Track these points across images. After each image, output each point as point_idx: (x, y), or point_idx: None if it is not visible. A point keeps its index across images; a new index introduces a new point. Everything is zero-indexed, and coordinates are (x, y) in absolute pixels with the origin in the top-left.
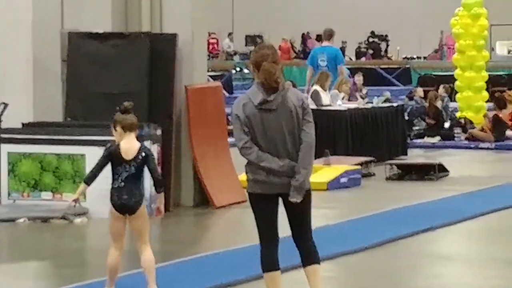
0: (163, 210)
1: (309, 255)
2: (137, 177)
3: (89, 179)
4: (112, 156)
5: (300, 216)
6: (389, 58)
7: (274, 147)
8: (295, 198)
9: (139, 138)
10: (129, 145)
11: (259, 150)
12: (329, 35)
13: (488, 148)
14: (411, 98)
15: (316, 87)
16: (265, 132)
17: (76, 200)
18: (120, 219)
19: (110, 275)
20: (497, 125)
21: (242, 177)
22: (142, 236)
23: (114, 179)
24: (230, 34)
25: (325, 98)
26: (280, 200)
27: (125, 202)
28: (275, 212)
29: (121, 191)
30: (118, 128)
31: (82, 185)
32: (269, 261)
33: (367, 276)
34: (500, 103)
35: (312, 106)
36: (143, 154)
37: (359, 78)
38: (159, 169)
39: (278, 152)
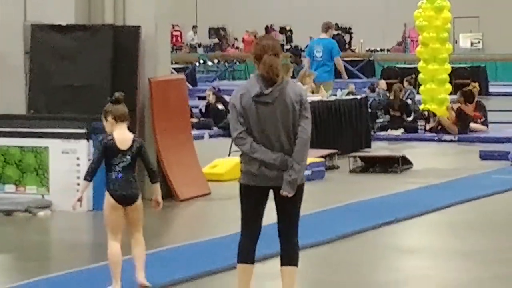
0: (161, 201)
1: (289, 256)
2: (133, 168)
3: (89, 175)
4: (108, 148)
5: (289, 211)
6: (352, 51)
7: (268, 140)
8: (287, 192)
9: (102, 130)
10: (122, 136)
11: (253, 142)
12: (327, 27)
13: (451, 141)
14: (372, 90)
15: None
16: (260, 124)
17: (80, 199)
18: (118, 210)
19: (114, 269)
20: (462, 118)
21: (206, 170)
22: (138, 226)
23: (111, 170)
24: (194, 27)
25: None
26: (271, 193)
27: (125, 193)
28: (263, 205)
29: (120, 182)
30: (110, 119)
31: (84, 183)
32: (246, 253)
33: (330, 269)
34: (469, 98)
35: None
36: (138, 144)
37: None
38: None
39: (272, 145)
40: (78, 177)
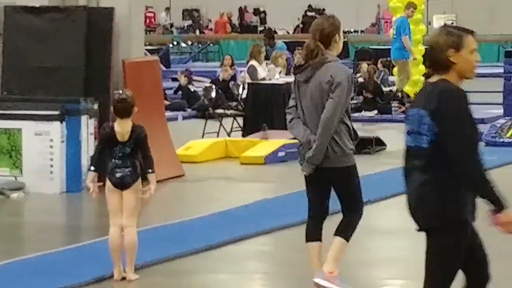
0: (153, 190)
1: (341, 226)
2: (132, 155)
3: (95, 165)
4: (107, 139)
5: (338, 192)
6: None
7: (303, 117)
8: (304, 170)
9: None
10: (122, 129)
11: (294, 118)
12: (406, 7)
13: None
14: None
15: (252, 62)
16: (300, 102)
17: (93, 191)
18: (116, 193)
19: (113, 255)
20: None
21: (179, 151)
22: (131, 215)
23: (111, 158)
24: (167, 8)
25: (262, 72)
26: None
27: (122, 179)
28: (320, 187)
29: (117, 167)
30: (113, 113)
31: (91, 174)
32: (309, 233)
33: (303, 250)
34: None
35: (248, 80)
36: (136, 135)
37: (298, 58)
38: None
39: (306, 122)
40: (51, 159)
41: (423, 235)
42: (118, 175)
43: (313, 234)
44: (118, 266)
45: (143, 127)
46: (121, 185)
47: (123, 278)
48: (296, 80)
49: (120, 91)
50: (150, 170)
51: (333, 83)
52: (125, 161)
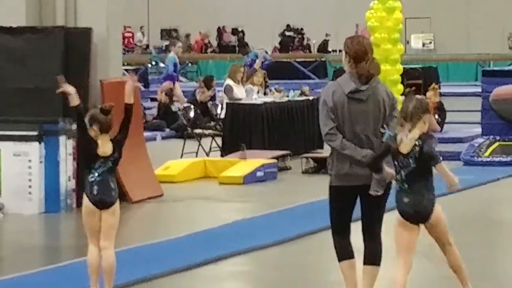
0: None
1: (373, 254)
2: (113, 171)
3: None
4: (88, 153)
5: (375, 209)
6: (304, 51)
7: (357, 137)
8: (376, 191)
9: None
10: (105, 145)
11: (344, 139)
12: None
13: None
14: None
15: (228, 81)
16: (351, 121)
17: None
18: (95, 213)
19: (93, 274)
20: None
21: (158, 171)
22: (110, 236)
23: (90, 173)
24: (141, 27)
25: (238, 91)
26: None
27: (102, 196)
28: (353, 205)
29: (97, 185)
30: (95, 127)
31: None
32: (346, 251)
33: (282, 270)
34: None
35: (226, 100)
36: (118, 152)
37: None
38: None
39: (361, 142)
40: (30, 180)
41: None
42: (99, 193)
43: (349, 250)
44: (95, 287)
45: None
46: (102, 204)
47: None
48: (346, 98)
49: (107, 105)
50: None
51: (394, 104)
52: (105, 177)
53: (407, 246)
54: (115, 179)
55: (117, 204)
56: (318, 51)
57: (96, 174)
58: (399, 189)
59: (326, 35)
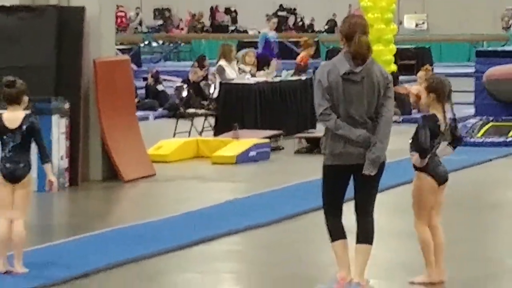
0: (55, 179)
1: (365, 233)
2: (25, 147)
3: None
4: None
5: (368, 189)
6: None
7: (351, 117)
8: (369, 171)
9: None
10: (12, 116)
11: (338, 119)
12: None
13: (395, 122)
14: None
15: (221, 62)
16: (345, 101)
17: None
18: (7, 187)
19: (1, 246)
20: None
21: (151, 151)
22: (20, 208)
23: (3, 148)
24: (137, 8)
25: (231, 72)
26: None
27: (11, 171)
28: (347, 184)
29: (8, 160)
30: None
31: None
32: (339, 230)
33: (274, 250)
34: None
35: (219, 80)
36: (28, 123)
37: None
38: (44, 141)
39: (355, 122)
40: None
41: (392, 235)
42: (10, 168)
43: (342, 231)
44: (2, 258)
45: (37, 117)
46: (13, 178)
47: (8, 271)
48: (341, 79)
49: (5, 78)
50: (45, 161)
51: (388, 83)
52: (18, 153)
53: (431, 206)
54: (29, 153)
55: (28, 177)
56: (325, 31)
57: (7, 150)
58: (432, 161)
59: (333, 15)
